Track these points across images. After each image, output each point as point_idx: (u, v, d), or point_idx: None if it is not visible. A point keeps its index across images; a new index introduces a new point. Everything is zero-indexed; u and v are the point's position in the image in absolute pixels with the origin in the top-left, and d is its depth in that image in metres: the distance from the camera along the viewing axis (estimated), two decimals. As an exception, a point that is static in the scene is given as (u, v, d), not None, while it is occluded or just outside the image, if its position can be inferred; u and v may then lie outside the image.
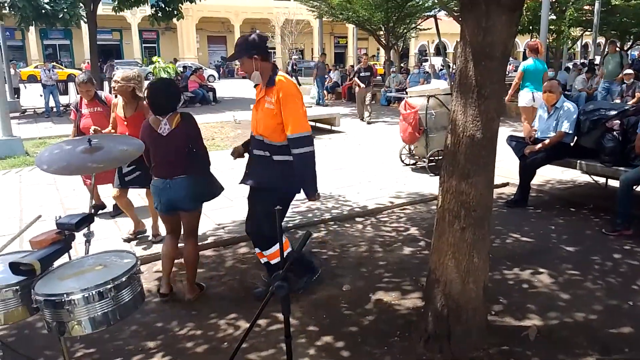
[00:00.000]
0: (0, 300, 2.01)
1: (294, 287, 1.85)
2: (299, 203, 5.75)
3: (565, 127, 5.38)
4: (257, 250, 3.68)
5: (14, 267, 2.02)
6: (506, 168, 6.64)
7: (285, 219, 4.49)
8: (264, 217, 3.38)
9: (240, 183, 3.57)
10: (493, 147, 2.84)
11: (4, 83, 10.23)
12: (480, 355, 2.88)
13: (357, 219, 5.32)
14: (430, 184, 6.51)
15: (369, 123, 12.66)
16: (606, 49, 16.07)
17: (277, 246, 3.45)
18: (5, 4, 14.22)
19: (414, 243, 4.64)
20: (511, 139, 5.84)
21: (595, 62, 17.04)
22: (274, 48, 41.95)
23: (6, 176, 7.42)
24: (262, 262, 3.69)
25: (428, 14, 18.50)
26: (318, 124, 11.88)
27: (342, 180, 6.84)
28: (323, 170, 7.30)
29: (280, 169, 3.36)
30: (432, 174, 6.93)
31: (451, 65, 21.10)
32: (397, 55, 23.07)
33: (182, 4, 17.32)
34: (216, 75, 30.97)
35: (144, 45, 39.29)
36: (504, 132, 8.71)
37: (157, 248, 4.48)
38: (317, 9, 19.64)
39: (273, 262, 3.55)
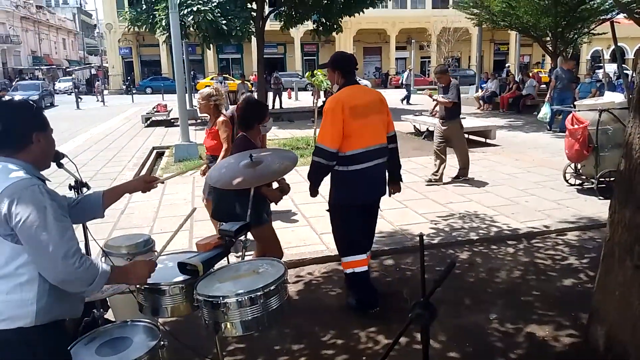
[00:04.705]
0: (169, 295, 2.28)
1: (433, 315, 1.80)
2: (440, 220, 5.58)
3: None
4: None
5: (181, 267, 2.27)
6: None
7: (425, 237, 4.42)
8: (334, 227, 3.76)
9: None
10: (679, 175, 2.46)
11: (185, 93, 11.58)
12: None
13: (509, 242, 4.99)
14: (597, 209, 5.85)
15: (429, 183, 7.29)
16: None
17: (352, 257, 3.66)
18: (190, 26, 16.17)
19: (574, 274, 4.20)
20: None
21: None
22: (429, 57, 41.34)
23: (183, 177, 8.39)
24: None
25: (604, 17, 16.60)
26: (472, 137, 11.42)
27: (494, 199, 6.48)
28: (473, 187, 7.02)
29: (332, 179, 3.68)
30: (601, 197, 6.21)
31: (630, 73, 18.68)
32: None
33: (342, 18, 17.95)
34: (369, 85, 31.48)
35: (304, 57, 41.57)
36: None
37: (303, 253, 4.69)
38: (477, 17, 18.84)
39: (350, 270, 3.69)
